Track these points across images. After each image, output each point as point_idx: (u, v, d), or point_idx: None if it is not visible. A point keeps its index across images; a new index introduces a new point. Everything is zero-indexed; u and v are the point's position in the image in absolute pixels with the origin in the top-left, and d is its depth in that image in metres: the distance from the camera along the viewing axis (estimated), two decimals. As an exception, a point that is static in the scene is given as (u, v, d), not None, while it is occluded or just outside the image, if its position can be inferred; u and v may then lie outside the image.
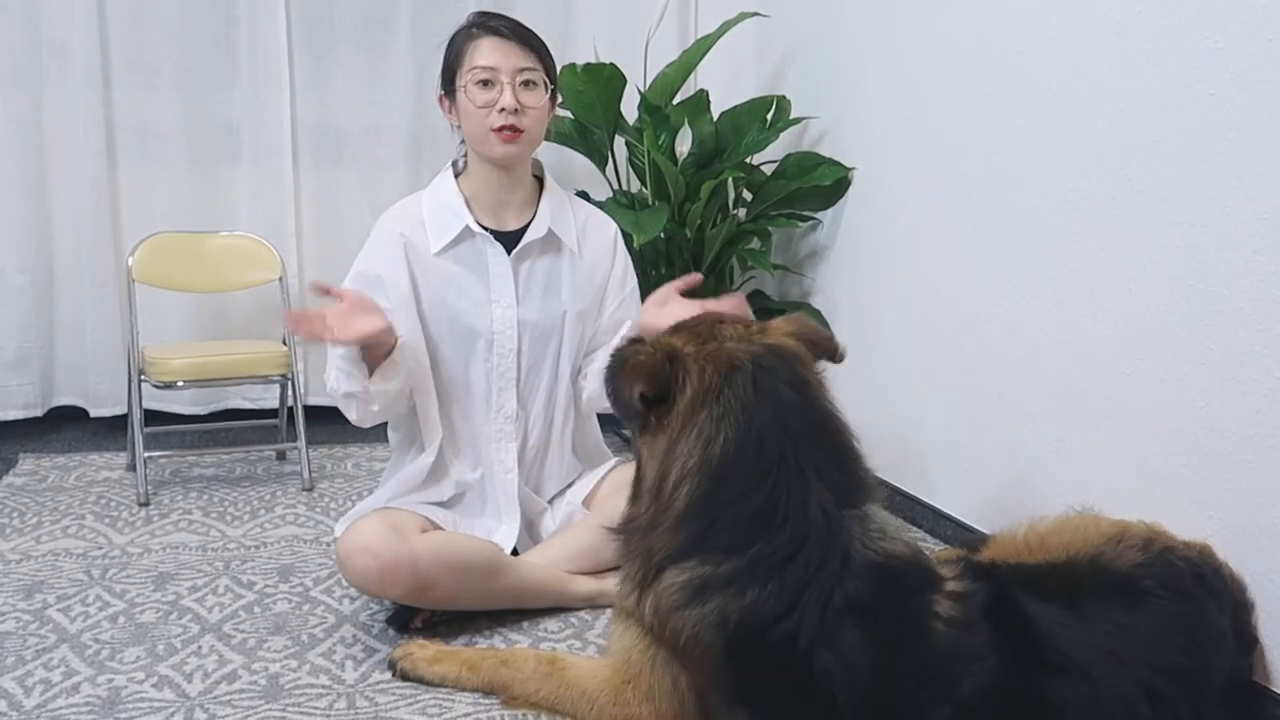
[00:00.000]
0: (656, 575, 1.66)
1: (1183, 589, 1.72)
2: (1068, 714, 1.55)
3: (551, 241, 2.37)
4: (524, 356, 2.35)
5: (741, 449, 1.62)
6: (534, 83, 2.26)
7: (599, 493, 2.45)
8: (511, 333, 2.32)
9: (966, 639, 1.58)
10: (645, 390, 1.65)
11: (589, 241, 2.43)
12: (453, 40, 2.32)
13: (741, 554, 1.59)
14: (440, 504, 2.34)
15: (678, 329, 1.78)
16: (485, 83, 2.23)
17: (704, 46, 3.47)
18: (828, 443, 1.68)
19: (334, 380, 2.17)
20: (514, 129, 2.23)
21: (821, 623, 1.55)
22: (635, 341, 1.75)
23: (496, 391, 2.34)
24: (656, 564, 1.67)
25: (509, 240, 2.33)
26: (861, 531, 1.62)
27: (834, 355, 1.82)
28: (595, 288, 2.42)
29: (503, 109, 2.21)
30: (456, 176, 2.38)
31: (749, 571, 1.58)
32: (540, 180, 2.42)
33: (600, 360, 2.36)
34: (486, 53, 2.24)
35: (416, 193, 2.41)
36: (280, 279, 3.51)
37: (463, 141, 2.38)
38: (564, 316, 2.37)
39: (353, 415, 2.22)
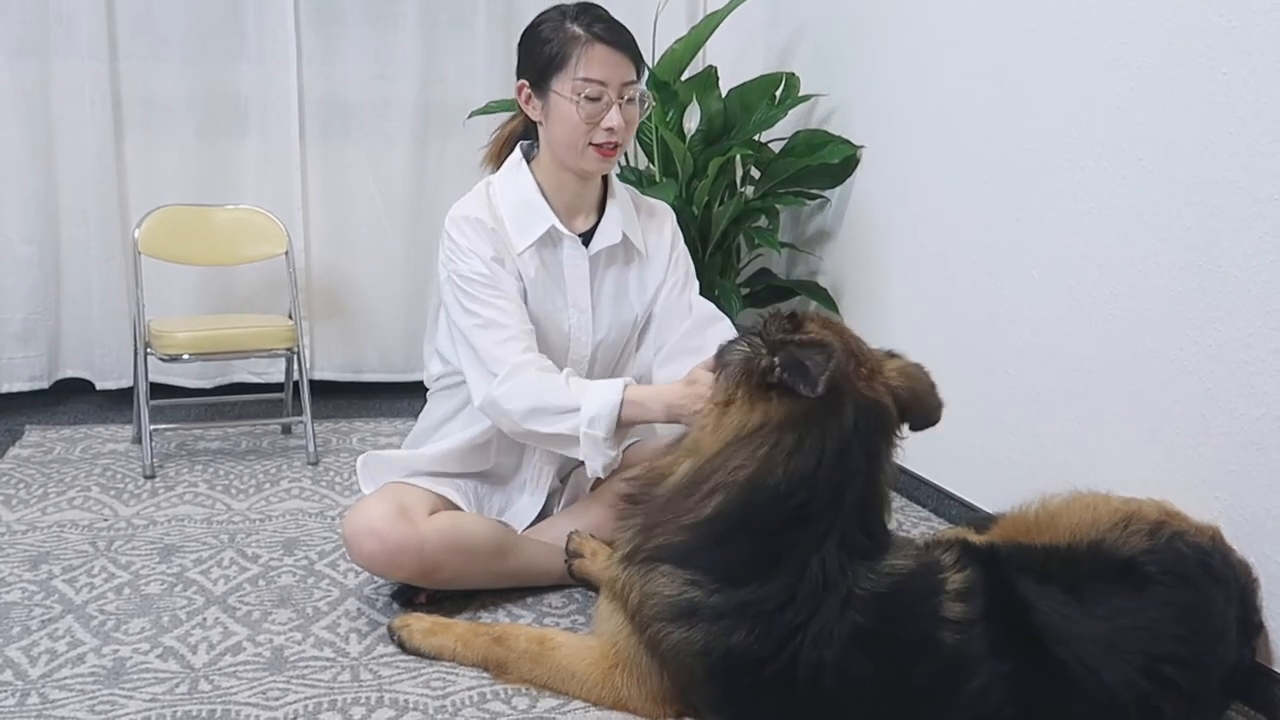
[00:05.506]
0: (648, 563, 1.69)
1: (1187, 576, 1.72)
2: (1072, 704, 1.56)
3: (624, 246, 2.28)
4: (596, 366, 2.28)
5: (785, 491, 1.62)
6: (633, 99, 2.15)
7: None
8: (587, 339, 2.24)
9: (972, 644, 1.59)
10: (832, 373, 1.60)
11: (650, 237, 2.34)
12: (551, 33, 2.15)
13: (734, 589, 1.61)
14: (470, 474, 2.29)
15: (830, 330, 1.74)
16: (594, 97, 2.10)
17: (713, 22, 3.45)
18: (865, 515, 1.67)
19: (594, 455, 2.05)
20: (615, 146, 2.14)
21: (821, 655, 1.56)
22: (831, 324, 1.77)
23: None
24: (651, 551, 1.70)
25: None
26: (868, 572, 1.62)
27: (930, 418, 1.80)
28: (658, 282, 2.34)
29: (610, 128, 2.11)
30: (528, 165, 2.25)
31: (738, 612, 1.60)
32: (604, 179, 2.31)
33: (676, 345, 2.28)
34: (598, 64, 2.10)
35: (481, 184, 2.26)
36: (286, 253, 3.50)
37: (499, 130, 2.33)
38: (635, 321, 2.31)
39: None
